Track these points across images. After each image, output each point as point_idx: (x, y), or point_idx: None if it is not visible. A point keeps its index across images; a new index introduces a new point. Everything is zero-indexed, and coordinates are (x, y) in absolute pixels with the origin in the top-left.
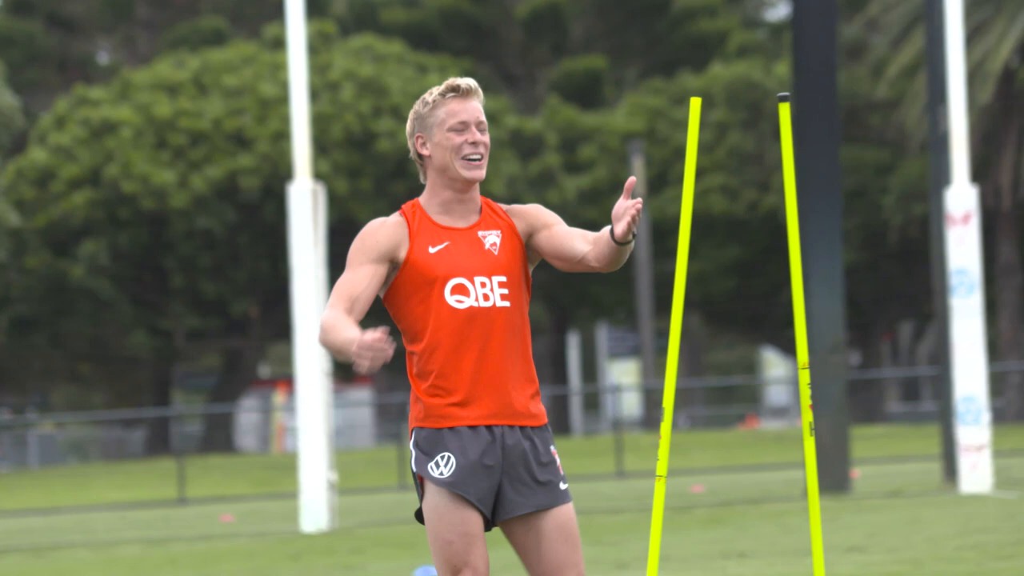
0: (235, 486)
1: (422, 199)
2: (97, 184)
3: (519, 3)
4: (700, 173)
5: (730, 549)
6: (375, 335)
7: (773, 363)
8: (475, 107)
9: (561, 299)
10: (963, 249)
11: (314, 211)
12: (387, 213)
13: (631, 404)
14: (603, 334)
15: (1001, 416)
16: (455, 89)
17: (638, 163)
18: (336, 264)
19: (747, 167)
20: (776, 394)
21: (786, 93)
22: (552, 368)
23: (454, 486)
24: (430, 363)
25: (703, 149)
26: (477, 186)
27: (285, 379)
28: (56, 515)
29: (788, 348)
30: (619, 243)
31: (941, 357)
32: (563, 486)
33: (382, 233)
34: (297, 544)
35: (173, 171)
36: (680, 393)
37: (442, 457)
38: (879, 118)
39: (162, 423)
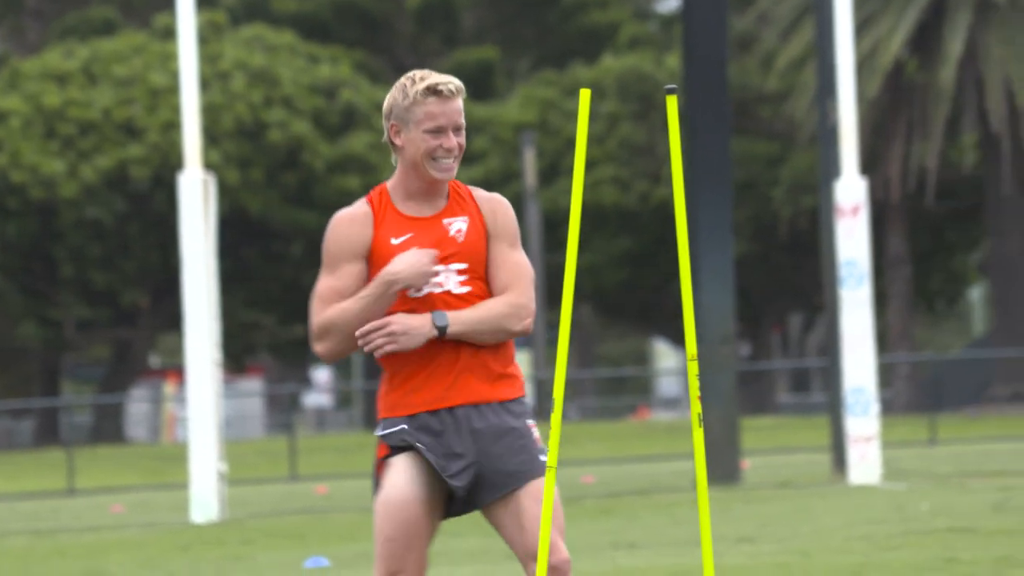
0: (125, 476)
1: (390, 184)
2: None
3: None
4: (591, 165)
5: (620, 540)
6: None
7: (664, 354)
8: (455, 109)
9: None
10: (852, 241)
11: (204, 201)
12: (278, 204)
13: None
14: None
15: (889, 407)
16: (436, 91)
17: (529, 154)
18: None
19: (638, 159)
20: (667, 385)
21: (673, 86)
22: None
23: (414, 441)
24: (397, 374)
25: (594, 141)
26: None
27: (175, 369)
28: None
29: (679, 339)
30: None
31: (830, 349)
32: (543, 457)
33: (353, 231)
34: (187, 535)
35: (62, 161)
36: (571, 384)
37: (408, 434)
38: (769, 110)
39: (51, 413)
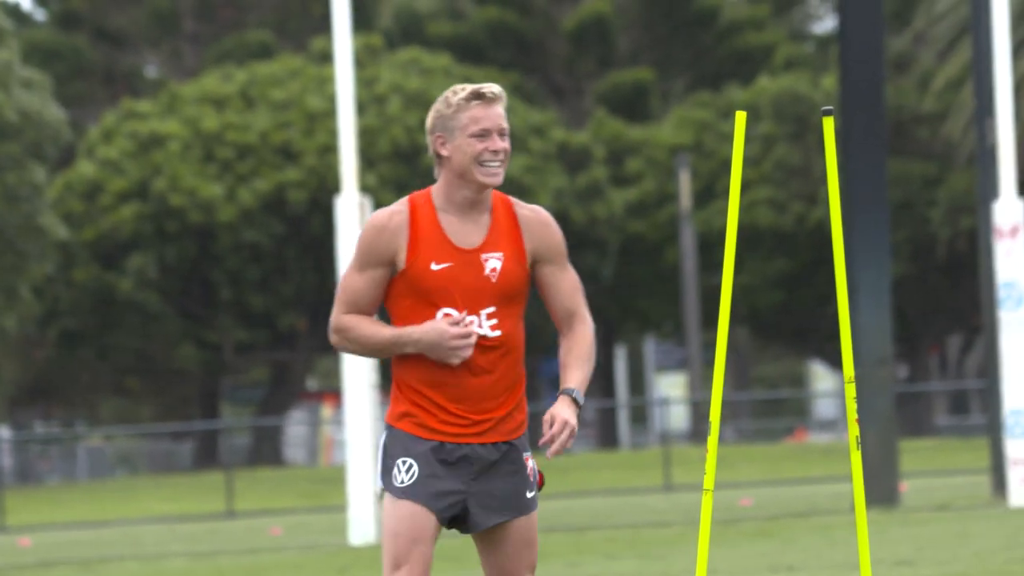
0: (283, 499)
1: (435, 193)
2: (145, 197)
3: (565, 16)
4: (746, 186)
5: (778, 563)
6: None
7: (820, 376)
8: (498, 113)
9: (608, 312)
10: (1011, 262)
11: (361, 224)
12: None
13: (678, 417)
14: (650, 347)
15: None
16: (479, 95)
17: (684, 176)
18: None
19: (794, 180)
20: (824, 407)
21: (830, 107)
22: (599, 381)
23: (410, 496)
24: (413, 371)
25: (749, 162)
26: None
27: (332, 392)
28: (105, 528)
29: (835, 361)
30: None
31: (989, 370)
32: (531, 494)
33: (382, 240)
34: (345, 557)
35: (220, 184)
36: (727, 406)
37: (403, 462)
38: (926, 131)
39: (210, 436)
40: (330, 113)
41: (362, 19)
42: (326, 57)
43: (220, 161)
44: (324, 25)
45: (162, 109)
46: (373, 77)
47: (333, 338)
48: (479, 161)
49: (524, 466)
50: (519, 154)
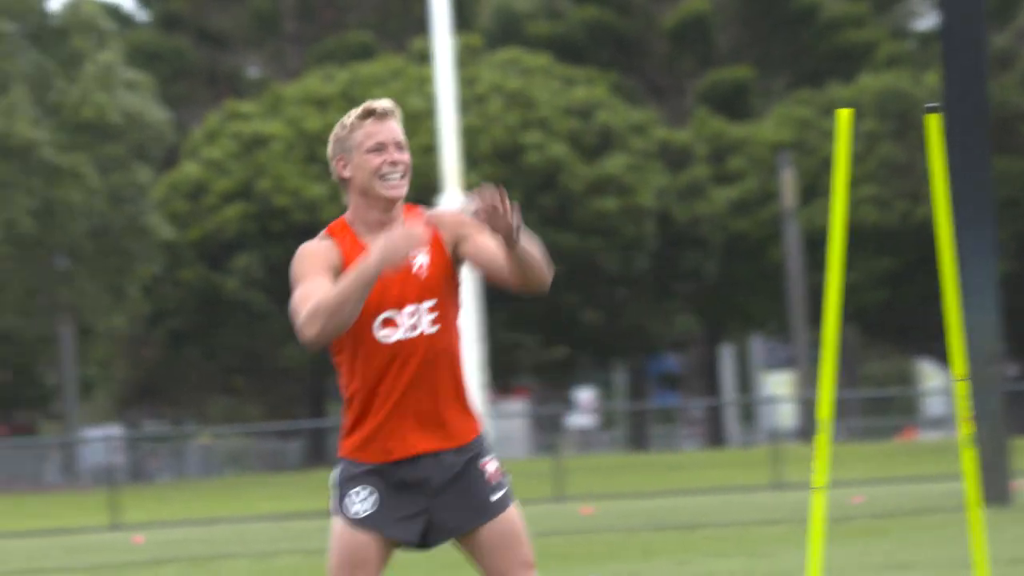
0: None
1: (348, 218)
2: (249, 197)
3: (665, 14)
4: (851, 184)
5: (891, 561)
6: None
7: (929, 374)
8: (392, 127)
9: (713, 311)
10: None
11: None
12: (535, 226)
13: (786, 415)
14: (757, 345)
15: None
16: (371, 112)
17: (787, 174)
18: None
19: (898, 178)
20: (933, 405)
21: (934, 104)
22: (703, 379)
23: (366, 525)
24: (356, 395)
25: (853, 160)
26: (400, 204)
27: None
28: (215, 526)
29: (943, 359)
30: (509, 246)
31: None
32: (495, 497)
33: (320, 252)
34: (452, 555)
35: (324, 184)
36: (836, 404)
37: (358, 492)
38: None
39: (318, 434)
40: (431, 113)
41: (462, 19)
42: (426, 57)
43: (323, 161)
44: (424, 25)
45: (265, 110)
46: (473, 77)
47: (309, 331)
48: (379, 175)
49: (482, 472)
50: (620, 153)
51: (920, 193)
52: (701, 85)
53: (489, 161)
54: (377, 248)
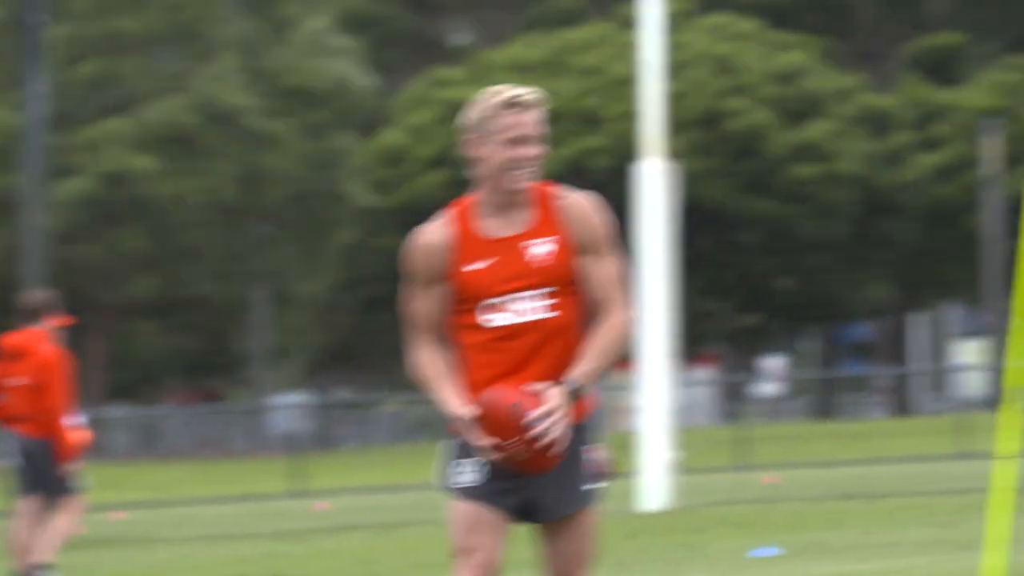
0: None
1: (476, 197)
2: (450, 164)
3: None
4: None
5: None
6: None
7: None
8: (532, 120)
9: (909, 279)
10: None
11: (665, 190)
12: (735, 192)
13: (977, 384)
14: (951, 314)
15: None
16: (514, 103)
17: (990, 140)
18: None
19: None
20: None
21: None
22: (894, 348)
23: (472, 495)
24: (466, 372)
25: None
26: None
27: (625, 359)
28: (401, 492)
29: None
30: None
31: None
32: (588, 488)
33: (433, 254)
34: (635, 523)
35: None
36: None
37: (465, 463)
38: None
39: None
40: (635, 79)
41: None
42: (633, 22)
43: None
44: None
45: (470, 76)
46: (682, 42)
47: (409, 367)
48: (509, 168)
49: (585, 459)
50: (823, 119)
51: None
52: (910, 50)
53: (692, 127)
54: (456, 413)
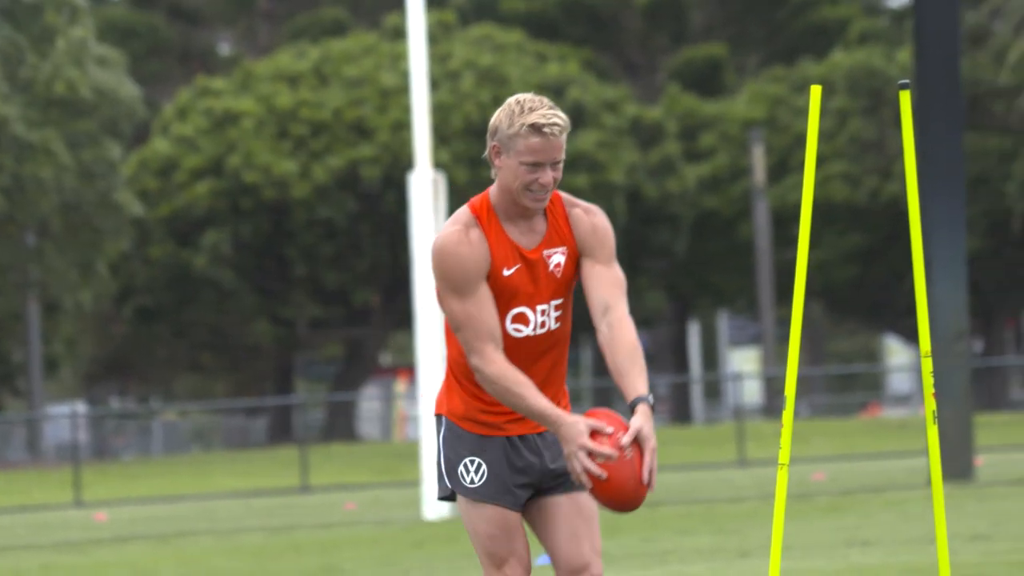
0: (357, 474)
1: (493, 198)
2: (219, 174)
3: None
4: (821, 161)
5: (853, 537)
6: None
7: (895, 351)
8: (555, 147)
9: (682, 288)
10: None
11: (435, 200)
12: None
13: (752, 392)
14: (724, 322)
15: None
16: (541, 131)
17: (758, 151)
18: None
19: (868, 155)
20: (898, 382)
21: (906, 80)
22: (673, 356)
23: (483, 496)
24: (463, 376)
25: (824, 137)
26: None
27: (406, 367)
28: (180, 503)
29: (910, 336)
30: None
31: None
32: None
33: (475, 255)
34: (420, 532)
35: (294, 161)
36: (801, 381)
37: (471, 462)
38: (1002, 105)
39: (284, 412)
40: (403, 89)
41: None
42: (400, 33)
43: (294, 138)
44: (398, 1)
45: (236, 86)
46: (446, 53)
47: (480, 379)
48: (527, 189)
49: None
50: (592, 129)
51: (890, 170)
52: (674, 62)
53: (460, 138)
54: (558, 428)
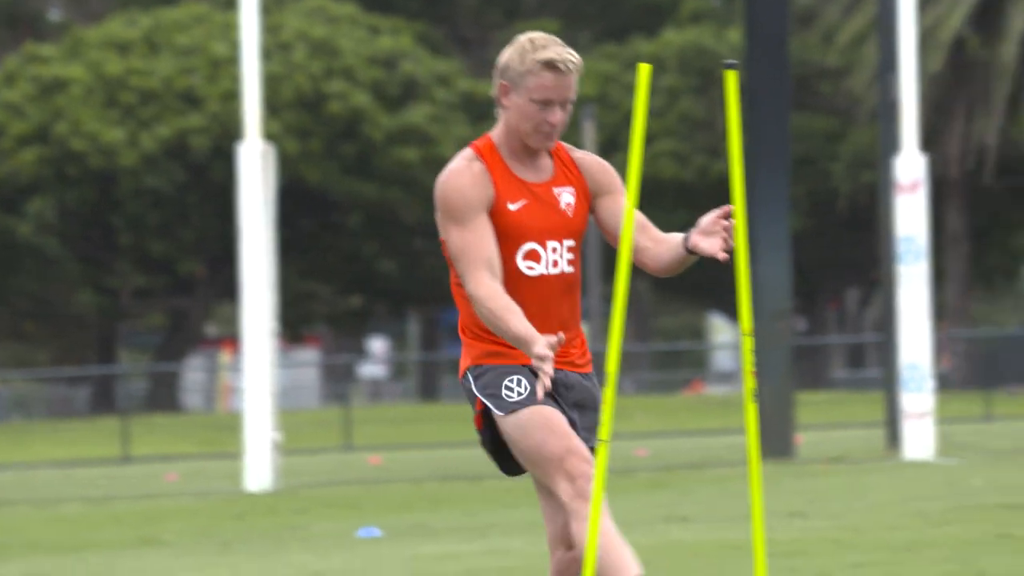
0: (179, 445)
1: (495, 139)
2: (46, 141)
3: None
4: (650, 138)
5: (672, 513)
6: (555, 341)
7: (720, 328)
8: (567, 85)
9: None
10: (911, 217)
11: (264, 172)
12: (337, 175)
13: None
14: None
15: (945, 383)
16: (554, 67)
17: (589, 128)
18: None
19: (697, 133)
20: (722, 359)
21: (733, 61)
22: (425, 335)
23: (533, 401)
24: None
25: (654, 114)
26: None
27: (231, 338)
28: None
29: (735, 314)
30: (691, 253)
31: (886, 324)
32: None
33: (477, 191)
34: (241, 504)
35: (122, 129)
36: (626, 357)
37: (511, 380)
38: (830, 86)
39: (107, 381)
40: (234, 60)
41: None
42: (231, 3)
43: (123, 106)
44: None
45: (65, 53)
46: (278, 24)
47: (475, 305)
48: (535, 128)
49: (598, 405)
50: (424, 103)
51: (719, 149)
52: (506, 37)
53: (292, 109)
54: (525, 342)
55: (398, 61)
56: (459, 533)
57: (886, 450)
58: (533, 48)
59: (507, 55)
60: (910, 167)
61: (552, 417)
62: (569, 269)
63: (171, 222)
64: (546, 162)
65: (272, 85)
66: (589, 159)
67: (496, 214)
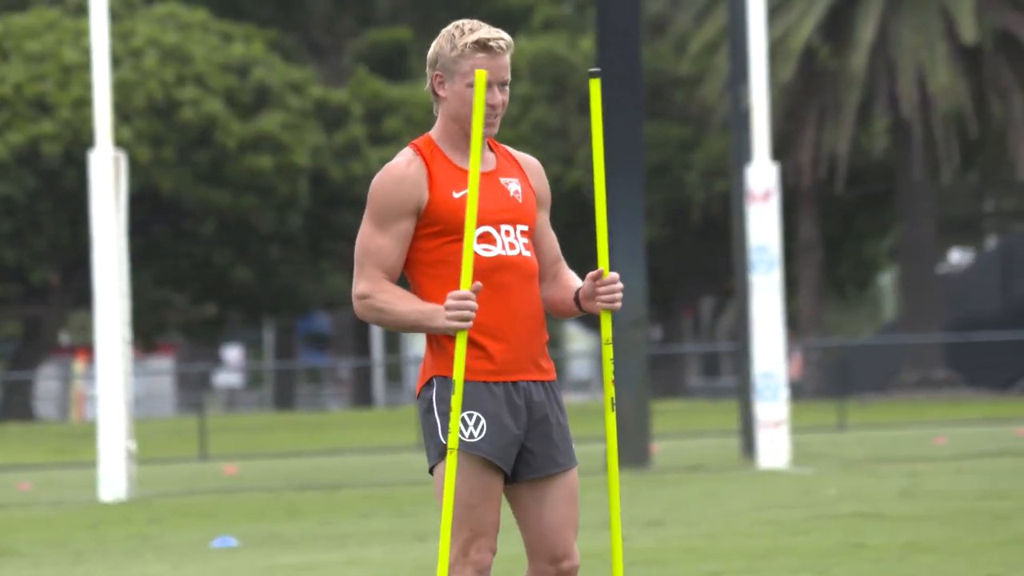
0: (33, 454)
1: (435, 135)
2: None
3: None
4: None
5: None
6: (465, 291)
7: (575, 337)
8: (502, 65)
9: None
10: (763, 226)
11: (115, 179)
12: (189, 182)
13: None
14: None
15: (799, 392)
16: (486, 47)
17: None
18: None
19: (551, 141)
20: (577, 368)
21: (597, 69)
22: (355, 339)
23: (482, 451)
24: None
25: (507, 123)
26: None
27: (85, 347)
28: None
29: (590, 322)
30: (582, 312)
31: (741, 333)
32: (571, 449)
33: (404, 190)
34: (95, 513)
35: None
36: None
37: (469, 416)
38: (683, 94)
39: None
40: (86, 66)
41: None
42: (82, 9)
43: None
44: None
45: None
46: (130, 31)
47: (357, 305)
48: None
49: (565, 412)
50: (276, 111)
51: (573, 157)
52: (360, 45)
53: (143, 116)
54: (428, 316)
55: (250, 68)
56: (316, 543)
57: (741, 459)
58: (462, 33)
59: (436, 46)
60: (762, 176)
61: (491, 482)
62: (527, 253)
63: (23, 229)
64: (489, 155)
65: (124, 92)
66: (532, 161)
67: (441, 205)
